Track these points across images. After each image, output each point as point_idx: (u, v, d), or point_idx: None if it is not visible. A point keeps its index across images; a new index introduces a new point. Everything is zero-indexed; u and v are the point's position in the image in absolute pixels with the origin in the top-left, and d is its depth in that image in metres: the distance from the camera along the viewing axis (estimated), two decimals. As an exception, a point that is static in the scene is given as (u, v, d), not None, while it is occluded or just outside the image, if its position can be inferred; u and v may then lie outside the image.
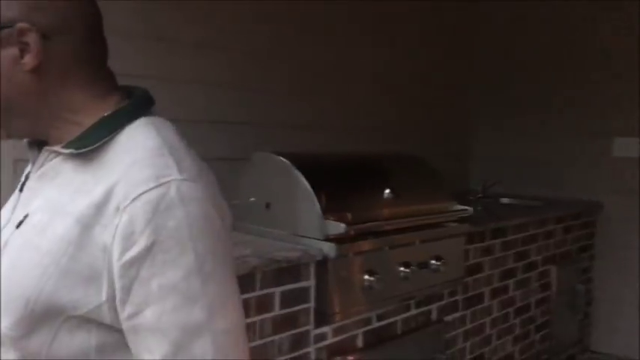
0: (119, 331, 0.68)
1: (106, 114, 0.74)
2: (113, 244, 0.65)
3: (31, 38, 0.70)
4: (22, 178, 0.82)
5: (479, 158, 3.70)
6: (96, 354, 0.69)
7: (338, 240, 1.72)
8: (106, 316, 0.67)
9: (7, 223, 0.78)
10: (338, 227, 1.71)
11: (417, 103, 3.14)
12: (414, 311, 2.12)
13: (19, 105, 0.74)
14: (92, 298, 0.66)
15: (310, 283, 1.69)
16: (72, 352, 0.69)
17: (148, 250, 0.64)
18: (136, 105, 0.77)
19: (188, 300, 0.65)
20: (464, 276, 2.29)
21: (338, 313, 1.76)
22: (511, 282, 2.68)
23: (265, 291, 1.57)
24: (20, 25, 0.70)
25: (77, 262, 0.66)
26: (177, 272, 0.65)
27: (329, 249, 1.71)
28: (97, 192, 0.68)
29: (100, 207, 0.67)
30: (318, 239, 1.73)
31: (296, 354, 1.67)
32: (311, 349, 1.71)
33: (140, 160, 0.69)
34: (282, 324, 1.62)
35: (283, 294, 1.62)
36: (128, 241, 0.65)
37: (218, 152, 2.13)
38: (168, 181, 0.67)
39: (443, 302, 2.26)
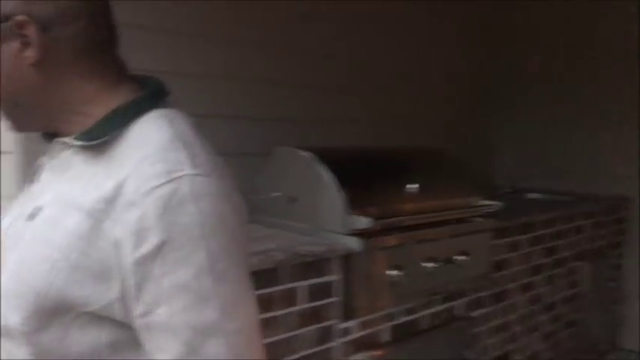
0: (131, 328, 0.67)
1: (117, 105, 0.72)
2: (124, 240, 0.64)
3: (31, 31, 0.68)
4: (36, 170, 0.81)
5: (506, 153, 3.65)
6: (108, 351, 0.68)
7: (363, 234, 1.71)
8: (118, 313, 0.66)
9: (18, 215, 0.76)
10: (363, 222, 1.70)
11: (443, 98, 3.10)
12: (439, 307, 2.10)
13: (25, 99, 0.73)
14: (103, 295, 0.65)
15: (335, 277, 1.69)
16: (84, 348, 0.68)
17: (160, 248, 0.63)
18: (149, 96, 0.75)
19: (200, 299, 0.63)
20: (490, 272, 2.26)
21: (363, 307, 1.76)
22: (539, 278, 2.64)
23: (290, 285, 1.58)
24: (19, 17, 0.68)
25: (88, 257, 0.65)
26: (188, 271, 0.63)
27: (354, 243, 1.70)
28: (107, 186, 0.66)
29: (110, 201, 0.65)
30: (343, 234, 1.73)
31: (321, 348, 1.67)
32: (336, 344, 1.71)
33: (152, 154, 0.67)
34: (308, 318, 1.62)
35: (308, 288, 1.62)
36: (139, 237, 0.63)
37: (241, 147, 2.15)
38: (181, 176, 0.64)
39: (469, 298, 2.23)
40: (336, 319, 1.70)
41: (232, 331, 0.65)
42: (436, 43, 3.04)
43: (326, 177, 1.78)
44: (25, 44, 0.69)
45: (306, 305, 1.62)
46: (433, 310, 2.07)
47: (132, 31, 1.91)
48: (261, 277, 1.50)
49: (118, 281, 0.65)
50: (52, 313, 0.66)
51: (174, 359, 0.64)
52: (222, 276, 0.65)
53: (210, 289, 0.64)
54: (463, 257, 2.04)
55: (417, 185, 1.96)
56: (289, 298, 1.58)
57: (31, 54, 0.69)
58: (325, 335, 1.68)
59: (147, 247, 0.63)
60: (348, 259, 1.70)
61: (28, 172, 0.83)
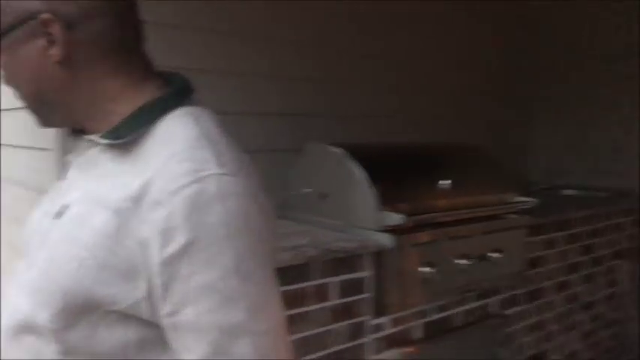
0: (158, 327, 0.67)
1: (142, 103, 0.72)
2: (151, 240, 0.63)
3: (56, 29, 0.69)
4: (65, 167, 0.82)
5: (541, 148, 3.57)
6: (135, 349, 0.68)
7: (395, 231, 1.70)
8: (145, 312, 0.66)
9: (46, 212, 0.77)
10: (395, 218, 1.69)
11: (477, 93, 3.05)
12: (472, 304, 2.07)
13: (51, 96, 0.73)
14: (130, 294, 0.65)
15: (367, 273, 1.69)
16: (111, 346, 0.68)
17: (187, 248, 0.62)
18: (175, 94, 0.75)
19: (226, 300, 0.63)
20: (525, 269, 2.22)
21: (395, 304, 1.75)
22: (576, 277, 2.57)
23: (322, 281, 1.58)
24: (44, 16, 0.68)
25: (115, 255, 0.65)
26: (215, 271, 0.63)
27: (386, 240, 1.69)
28: (134, 185, 0.66)
29: (137, 200, 0.65)
30: (375, 230, 1.72)
31: (353, 344, 1.67)
32: (368, 340, 1.71)
33: (178, 152, 0.66)
34: (339, 314, 1.63)
35: (340, 284, 1.62)
36: (166, 237, 0.63)
37: (272, 144, 2.16)
38: (207, 176, 0.64)
39: (503, 296, 2.20)
40: (367, 316, 1.70)
41: (259, 331, 0.65)
42: (471, 40, 2.99)
43: (358, 173, 1.77)
44: (51, 42, 0.69)
45: (338, 301, 1.62)
46: (466, 307, 2.05)
47: (164, 29, 1.95)
48: (293, 272, 1.51)
49: (144, 280, 0.65)
50: (80, 311, 0.67)
51: (200, 359, 0.64)
52: (248, 276, 0.65)
53: (237, 290, 0.64)
54: (497, 254, 2.01)
55: (449, 181, 1.93)
56: (321, 293, 1.58)
57: (56, 52, 0.70)
58: (357, 331, 1.68)
59: (174, 246, 0.62)
60: (379, 255, 1.70)
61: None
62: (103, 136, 0.71)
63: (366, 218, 1.75)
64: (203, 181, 0.64)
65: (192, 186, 0.63)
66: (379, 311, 1.72)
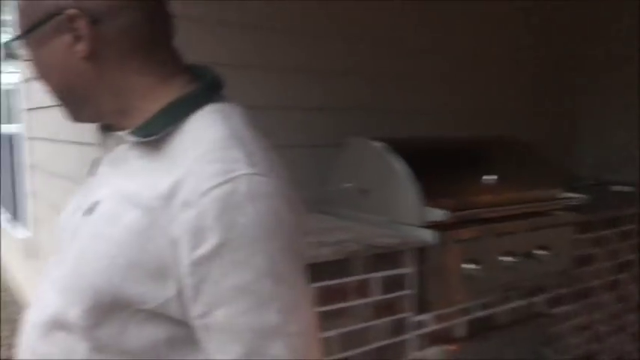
0: (188, 326, 0.66)
1: (171, 99, 0.71)
2: (181, 240, 0.62)
3: (82, 25, 0.68)
4: (94, 164, 0.82)
5: (589, 142, 3.45)
6: (165, 347, 0.68)
7: (438, 227, 1.67)
8: (175, 312, 0.66)
9: (76, 209, 0.76)
10: (438, 214, 1.66)
11: (524, 88, 2.98)
12: (517, 302, 2.03)
13: (80, 91, 0.73)
14: (159, 293, 0.65)
15: (409, 270, 1.67)
16: (141, 344, 0.67)
17: (218, 249, 0.61)
18: (204, 90, 0.73)
19: (260, 302, 0.62)
20: (572, 267, 2.15)
21: (437, 301, 1.72)
22: (626, 276, 2.48)
23: (364, 276, 1.57)
24: (70, 11, 0.68)
25: (144, 254, 0.64)
26: (248, 273, 0.62)
27: (428, 236, 1.67)
28: (164, 184, 0.65)
29: (167, 199, 0.64)
30: (417, 226, 1.70)
31: (395, 340, 1.65)
32: (410, 336, 1.69)
33: (207, 152, 0.65)
34: (381, 310, 1.61)
35: (382, 280, 1.61)
36: (197, 238, 0.62)
37: (313, 139, 2.16)
38: (238, 176, 0.63)
39: (549, 294, 2.14)
40: (409, 312, 1.68)
41: (292, 333, 0.64)
42: (515, 31, 2.91)
43: (399, 168, 1.75)
44: (77, 38, 0.69)
45: (380, 297, 1.61)
46: (511, 305, 2.00)
47: (210, 25, 1.97)
48: (334, 267, 1.50)
49: (174, 280, 0.64)
50: (110, 308, 0.67)
51: None
52: (280, 278, 0.64)
53: (270, 292, 0.63)
54: (543, 252, 1.95)
55: (494, 176, 1.89)
56: (362, 289, 1.57)
57: (82, 48, 0.69)
58: (399, 327, 1.66)
59: (205, 248, 0.61)
60: (422, 251, 1.68)
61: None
62: (133, 133, 0.71)
63: (408, 214, 1.73)
64: (234, 181, 0.63)
65: (223, 187, 0.62)
66: (421, 308, 1.70)
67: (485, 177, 1.89)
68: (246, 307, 0.62)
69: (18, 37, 0.73)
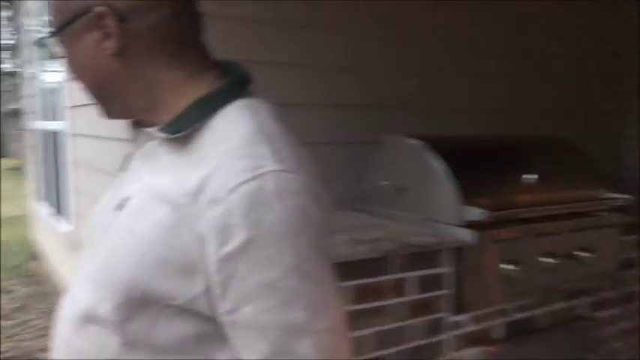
0: (217, 322, 0.66)
1: (200, 95, 0.71)
2: (208, 236, 0.62)
3: (110, 22, 0.69)
4: (126, 159, 0.83)
5: (634, 141, 3.33)
6: (194, 343, 0.68)
7: (476, 226, 1.64)
8: (204, 308, 0.66)
9: (108, 204, 0.77)
10: (476, 213, 1.63)
11: (569, 86, 2.90)
12: (558, 305, 1.97)
13: (110, 88, 0.74)
14: (188, 289, 0.65)
15: (446, 269, 1.64)
16: (171, 339, 0.68)
17: (245, 246, 0.61)
18: (232, 86, 0.73)
19: (287, 299, 0.62)
20: (617, 270, 2.08)
21: (475, 302, 1.69)
22: (674, 280, 2.38)
23: (400, 275, 1.56)
24: (98, 9, 0.69)
25: (173, 251, 0.64)
26: (275, 270, 0.62)
27: (466, 235, 1.64)
28: (191, 180, 0.65)
29: (194, 196, 0.64)
30: (455, 225, 1.67)
31: (431, 340, 1.63)
32: (447, 337, 1.67)
33: (235, 148, 0.65)
34: (418, 309, 1.60)
35: (418, 279, 1.59)
36: (224, 235, 0.61)
37: (350, 136, 2.15)
38: (265, 172, 0.62)
39: (592, 298, 2.07)
40: (446, 312, 1.66)
41: (320, 330, 0.64)
42: (561, 28, 2.83)
43: (437, 166, 1.73)
44: (105, 35, 0.70)
45: (416, 296, 1.59)
46: (551, 308, 1.95)
47: (248, 23, 1.98)
48: (370, 265, 1.49)
49: (202, 277, 0.64)
50: (140, 303, 0.67)
51: (263, 359, 0.63)
52: (308, 275, 0.63)
53: (297, 289, 0.63)
54: (586, 253, 1.89)
55: (535, 175, 1.84)
56: (399, 288, 1.56)
57: (110, 45, 0.70)
58: (435, 327, 1.64)
59: (232, 244, 0.61)
60: (459, 251, 1.65)
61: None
62: (162, 129, 0.71)
63: (445, 213, 1.71)
64: (261, 178, 0.62)
65: (251, 183, 0.62)
66: (459, 308, 1.67)
67: (525, 176, 1.84)
68: (272, 304, 0.62)
69: (51, 35, 0.75)
